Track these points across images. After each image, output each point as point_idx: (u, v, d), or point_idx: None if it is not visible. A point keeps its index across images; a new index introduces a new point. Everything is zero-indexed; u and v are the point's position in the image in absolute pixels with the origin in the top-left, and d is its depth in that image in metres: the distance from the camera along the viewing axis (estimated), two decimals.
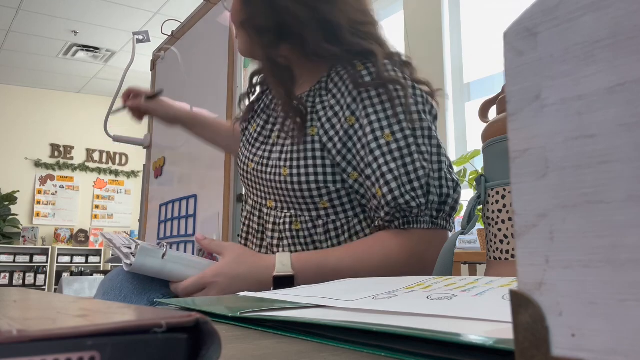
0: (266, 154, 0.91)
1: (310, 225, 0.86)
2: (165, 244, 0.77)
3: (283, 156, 0.87)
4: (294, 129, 0.87)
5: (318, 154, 0.84)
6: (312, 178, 0.83)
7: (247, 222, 0.97)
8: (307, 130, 0.85)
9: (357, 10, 0.89)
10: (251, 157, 0.93)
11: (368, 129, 0.80)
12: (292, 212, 0.87)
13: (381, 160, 0.78)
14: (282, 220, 0.88)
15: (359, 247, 0.80)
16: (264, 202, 0.92)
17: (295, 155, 0.85)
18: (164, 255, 0.75)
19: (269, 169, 0.88)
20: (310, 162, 0.84)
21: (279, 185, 0.87)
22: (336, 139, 0.83)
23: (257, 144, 0.94)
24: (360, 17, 0.89)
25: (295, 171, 0.84)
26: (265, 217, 0.91)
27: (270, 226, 0.90)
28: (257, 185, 0.92)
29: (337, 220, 0.85)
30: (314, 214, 0.86)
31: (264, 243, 0.91)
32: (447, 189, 0.81)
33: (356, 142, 0.82)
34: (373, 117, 0.80)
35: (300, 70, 0.92)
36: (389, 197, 0.76)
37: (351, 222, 0.85)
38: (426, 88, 0.89)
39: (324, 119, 0.85)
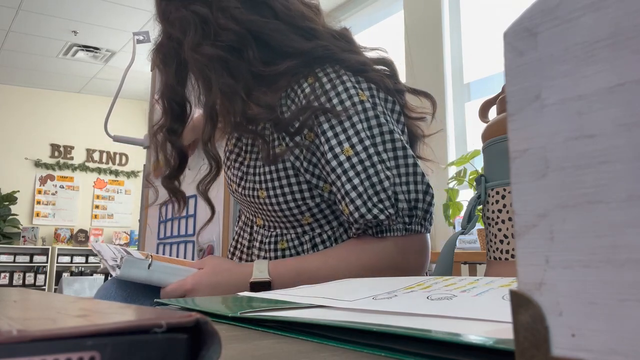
0: (242, 175, 0.89)
1: (296, 242, 0.86)
2: (151, 255, 0.80)
3: (257, 178, 0.85)
4: (260, 152, 0.84)
5: (291, 172, 0.82)
6: (289, 197, 0.83)
7: (237, 237, 0.98)
8: (276, 150, 0.83)
9: (297, 15, 0.83)
10: (232, 177, 0.92)
11: (326, 147, 0.78)
12: (278, 230, 0.87)
13: (344, 178, 0.76)
14: (268, 240, 0.88)
15: (335, 254, 0.80)
16: (254, 219, 0.92)
17: (269, 177, 0.84)
18: (149, 265, 0.77)
19: (247, 191, 0.87)
20: (284, 181, 0.83)
21: (259, 207, 0.87)
22: (302, 157, 0.81)
23: (237, 164, 0.92)
24: (304, 23, 0.84)
25: (272, 192, 0.83)
26: (254, 234, 0.92)
27: (257, 244, 0.90)
28: (244, 203, 0.92)
29: (323, 233, 0.85)
30: (299, 230, 0.86)
31: (251, 259, 0.91)
32: (416, 194, 0.79)
33: (320, 158, 0.80)
34: (329, 134, 0.77)
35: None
36: (356, 215, 0.75)
37: (337, 231, 0.85)
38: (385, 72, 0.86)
39: (287, 138, 0.82)
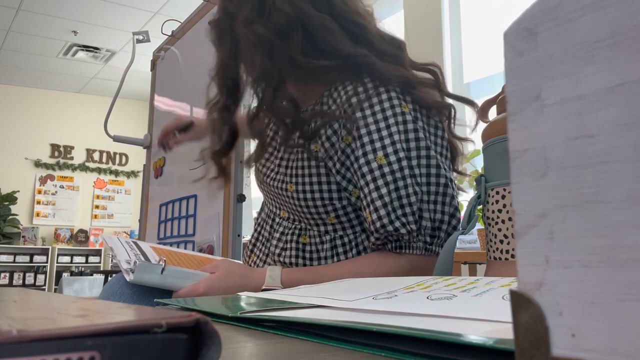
0: (274, 167, 0.90)
1: (317, 240, 0.85)
2: (164, 259, 0.80)
3: (289, 171, 0.86)
4: (300, 146, 0.85)
5: (322, 170, 0.82)
6: (317, 195, 0.83)
7: (258, 229, 0.98)
8: (311, 147, 0.84)
9: (352, 12, 0.85)
10: (262, 167, 0.93)
11: (360, 152, 0.77)
12: (303, 224, 0.87)
13: (372, 186, 0.76)
14: (290, 231, 0.88)
15: (349, 268, 0.79)
16: (277, 211, 0.92)
17: (300, 172, 0.84)
18: (162, 270, 0.77)
19: (276, 183, 0.88)
20: (315, 179, 0.83)
21: (286, 200, 0.87)
22: (335, 158, 0.81)
23: (267, 155, 0.94)
24: (357, 18, 0.85)
25: (300, 188, 0.84)
26: (276, 225, 0.92)
27: (277, 235, 0.90)
28: (271, 195, 0.92)
29: (344, 236, 0.84)
30: (322, 229, 0.85)
31: (269, 250, 0.91)
32: (442, 215, 0.78)
33: (353, 162, 0.80)
34: (366, 139, 0.77)
35: (302, 87, 0.91)
36: (378, 224, 0.75)
37: (359, 237, 0.84)
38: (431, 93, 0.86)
39: (324, 137, 0.82)
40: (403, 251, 0.77)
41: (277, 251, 0.88)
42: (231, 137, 0.94)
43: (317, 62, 0.81)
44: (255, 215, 1.07)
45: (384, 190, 0.75)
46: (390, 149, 0.76)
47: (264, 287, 0.78)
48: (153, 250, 0.91)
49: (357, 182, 0.79)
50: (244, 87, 0.93)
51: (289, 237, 0.88)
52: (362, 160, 0.77)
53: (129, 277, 0.76)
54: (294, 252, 0.86)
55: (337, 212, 0.83)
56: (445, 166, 0.81)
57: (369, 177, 0.76)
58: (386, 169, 0.75)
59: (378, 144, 0.76)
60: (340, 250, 0.84)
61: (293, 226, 0.88)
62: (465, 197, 0.82)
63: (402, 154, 0.76)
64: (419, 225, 0.76)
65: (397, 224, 0.74)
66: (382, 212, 0.74)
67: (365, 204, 0.77)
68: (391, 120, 0.77)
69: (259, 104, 0.86)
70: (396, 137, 0.77)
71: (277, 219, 0.92)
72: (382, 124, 0.77)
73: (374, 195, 0.75)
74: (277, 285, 0.78)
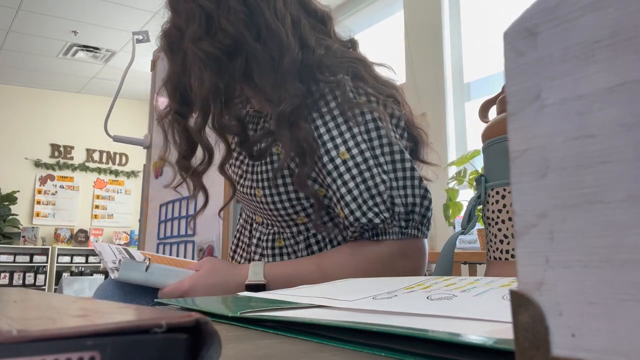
0: (242, 173, 0.90)
1: (292, 241, 0.87)
2: (148, 257, 0.81)
3: (255, 177, 0.87)
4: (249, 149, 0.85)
5: (286, 172, 0.83)
6: (284, 197, 0.84)
7: (238, 235, 0.99)
8: (272, 149, 0.85)
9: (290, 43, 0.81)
10: (233, 175, 0.93)
11: (322, 150, 0.78)
12: (276, 229, 0.89)
13: (339, 182, 0.76)
14: (265, 237, 0.89)
15: (330, 258, 0.80)
16: (253, 216, 0.94)
17: (265, 176, 0.85)
18: (147, 268, 0.79)
19: (245, 189, 0.88)
20: (280, 181, 0.83)
21: (256, 205, 0.88)
22: (297, 159, 0.80)
23: (237, 162, 0.93)
24: (297, 52, 0.81)
25: (267, 192, 0.84)
26: (254, 231, 0.93)
27: (255, 241, 0.91)
28: (244, 200, 0.93)
29: (317, 234, 0.86)
30: (294, 229, 0.87)
31: (251, 256, 0.93)
32: (413, 198, 0.78)
33: (316, 161, 0.80)
34: (326, 137, 0.78)
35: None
36: (351, 219, 0.75)
37: (331, 233, 0.85)
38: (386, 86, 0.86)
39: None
40: (380, 238, 0.77)
41: (257, 257, 0.90)
42: (189, 143, 0.90)
43: (256, 95, 0.82)
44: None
45: (351, 184, 0.75)
46: (351, 143, 0.77)
47: (247, 283, 0.79)
48: (142, 255, 0.92)
49: (323, 181, 0.80)
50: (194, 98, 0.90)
51: (264, 244, 0.89)
52: (325, 159, 0.77)
53: (114, 275, 0.78)
54: (271, 259, 0.88)
55: (307, 210, 0.84)
56: (406, 150, 0.81)
57: (335, 174, 0.77)
58: (350, 163, 0.76)
59: (339, 140, 0.77)
60: (315, 248, 0.86)
61: (267, 231, 0.90)
62: (431, 186, 0.81)
63: (364, 145, 0.77)
64: (393, 212, 0.76)
65: (370, 214, 0.75)
66: (353, 205, 0.75)
67: (335, 200, 0.78)
68: (349, 114, 0.78)
69: (204, 120, 0.84)
70: (355, 130, 0.77)
71: (254, 224, 0.94)
72: (340, 119, 0.78)
73: (343, 190, 0.76)
74: (260, 279, 0.79)
